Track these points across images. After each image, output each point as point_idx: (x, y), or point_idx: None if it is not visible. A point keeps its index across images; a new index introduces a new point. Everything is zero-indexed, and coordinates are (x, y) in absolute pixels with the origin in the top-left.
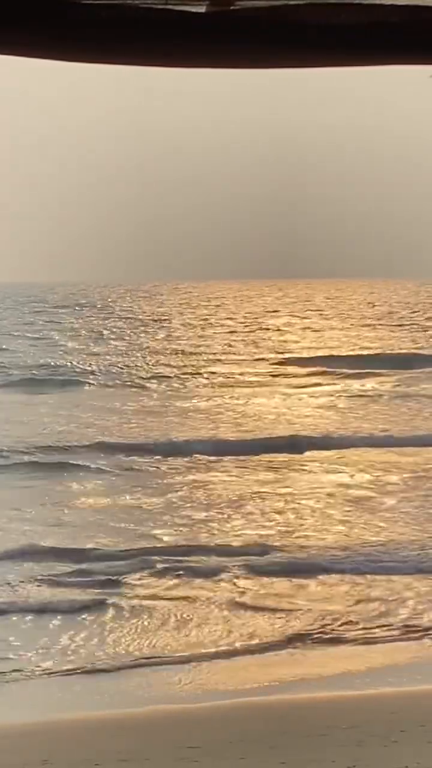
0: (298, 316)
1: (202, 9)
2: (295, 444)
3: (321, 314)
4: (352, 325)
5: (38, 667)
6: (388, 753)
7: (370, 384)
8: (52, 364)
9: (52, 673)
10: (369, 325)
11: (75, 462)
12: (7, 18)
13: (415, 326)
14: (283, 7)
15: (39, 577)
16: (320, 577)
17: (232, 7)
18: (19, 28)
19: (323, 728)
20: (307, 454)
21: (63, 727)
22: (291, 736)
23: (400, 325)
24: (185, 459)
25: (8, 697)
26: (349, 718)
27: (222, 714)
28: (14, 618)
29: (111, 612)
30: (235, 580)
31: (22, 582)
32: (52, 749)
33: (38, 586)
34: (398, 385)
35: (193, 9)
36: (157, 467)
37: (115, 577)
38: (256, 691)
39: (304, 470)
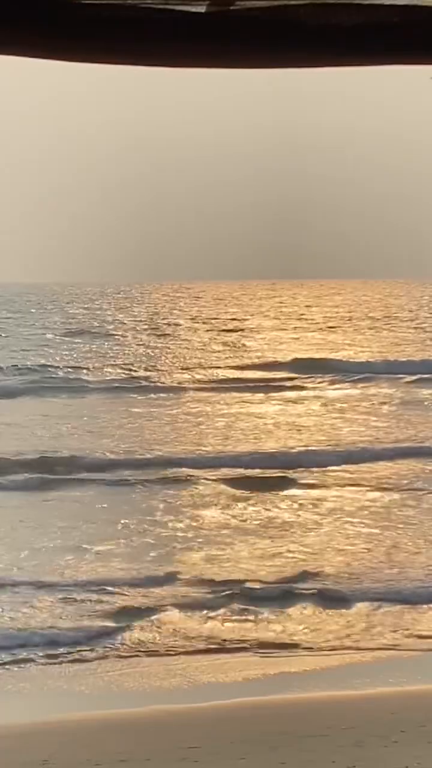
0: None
1: (202, 9)
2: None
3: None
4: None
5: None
6: (388, 753)
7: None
8: None
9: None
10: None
11: None
12: (6, 18)
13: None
14: (283, 7)
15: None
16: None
17: (232, 7)
18: (18, 28)
19: (323, 728)
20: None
21: (63, 727)
22: (291, 736)
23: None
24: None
25: (8, 697)
26: (349, 718)
27: (222, 714)
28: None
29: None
30: None
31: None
32: (52, 749)
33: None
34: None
35: (193, 9)
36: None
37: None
38: (256, 691)
39: None
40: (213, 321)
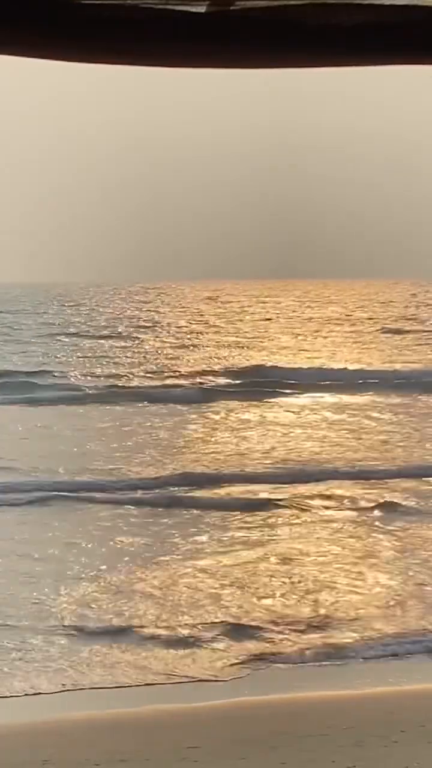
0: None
1: (202, 9)
2: None
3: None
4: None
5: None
6: (388, 753)
7: None
8: None
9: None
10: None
11: None
12: (6, 18)
13: None
14: (283, 7)
15: None
16: None
17: (232, 7)
18: (18, 28)
19: (323, 728)
20: None
21: (63, 727)
22: (291, 736)
23: None
24: None
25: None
26: (349, 718)
27: (222, 714)
28: None
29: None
30: None
31: None
32: (52, 749)
33: None
34: None
35: (193, 9)
36: None
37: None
38: (255, 690)
39: None
40: (191, 322)
